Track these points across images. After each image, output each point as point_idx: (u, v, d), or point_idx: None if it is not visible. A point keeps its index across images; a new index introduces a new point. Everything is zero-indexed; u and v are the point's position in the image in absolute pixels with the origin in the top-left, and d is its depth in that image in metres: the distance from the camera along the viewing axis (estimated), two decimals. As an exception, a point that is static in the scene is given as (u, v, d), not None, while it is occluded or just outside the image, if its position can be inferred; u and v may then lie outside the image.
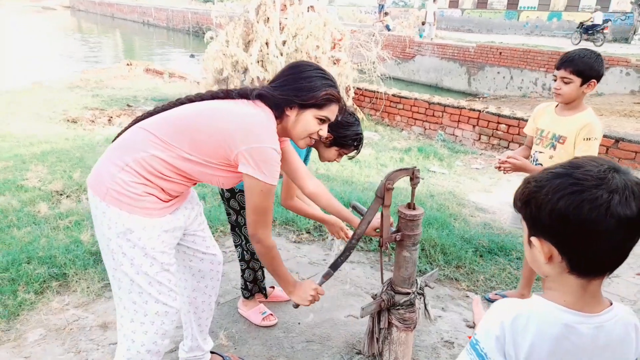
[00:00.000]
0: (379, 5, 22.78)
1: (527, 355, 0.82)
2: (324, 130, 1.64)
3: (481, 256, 3.23)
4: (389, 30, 20.14)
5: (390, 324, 1.92)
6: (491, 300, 2.75)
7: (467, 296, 2.81)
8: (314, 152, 2.22)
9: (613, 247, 0.78)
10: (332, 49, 7.11)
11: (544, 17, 28.68)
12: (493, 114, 6.34)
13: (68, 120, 7.45)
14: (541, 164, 2.32)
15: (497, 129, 6.33)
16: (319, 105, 1.58)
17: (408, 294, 1.88)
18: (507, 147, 6.30)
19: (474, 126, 6.60)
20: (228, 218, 2.32)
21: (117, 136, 1.59)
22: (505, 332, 0.83)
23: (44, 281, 2.70)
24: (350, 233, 2.15)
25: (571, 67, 2.12)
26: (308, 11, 6.92)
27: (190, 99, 1.62)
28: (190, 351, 2.04)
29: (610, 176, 0.77)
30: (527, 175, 2.32)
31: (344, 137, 2.05)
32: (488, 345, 0.84)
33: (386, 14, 21.02)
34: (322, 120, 1.62)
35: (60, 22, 37.95)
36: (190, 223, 1.72)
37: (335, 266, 1.85)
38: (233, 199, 2.23)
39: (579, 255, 0.81)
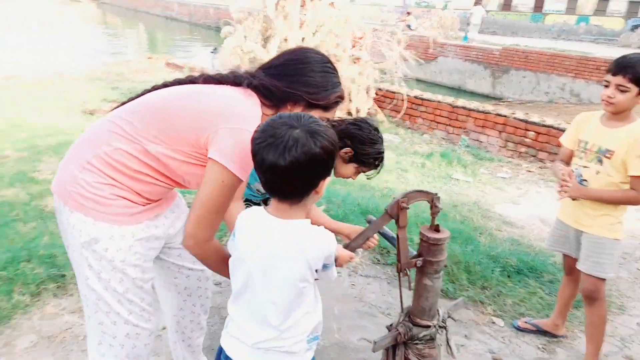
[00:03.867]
0: (404, 4, 22.42)
1: (241, 231, 1.20)
2: None
3: (509, 277, 2.98)
4: (410, 29, 19.81)
5: (406, 359, 1.70)
6: (520, 329, 2.50)
7: (493, 322, 2.57)
8: None
9: (271, 181, 1.11)
10: (353, 47, 6.89)
11: (571, 21, 27.97)
12: (521, 120, 6.05)
13: (86, 112, 7.38)
14: (586, 181, 2.07)
15: (525, 136, 6.03)
16: (326, 107, 1.38)
17: (428, 327, 1.66)
18: (535, 156, 6.00)
19: (500, 132, 6.31)
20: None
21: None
22: (240, 223, 1.21)
23: (42, 282, 2.56)
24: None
25: (630, 74, 1.86)
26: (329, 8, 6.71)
27: (165, 85, 1.41)
28: None
29: (281, 131, 1.06)
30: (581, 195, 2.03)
31: (365, 155, 1.86)
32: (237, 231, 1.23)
33: (408, 13, 20.68)
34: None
35: (86, 14, 38.43)
36: (176, 234, 1.50)
37: None
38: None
39: (263, 183, 1.14)
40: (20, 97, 7.79)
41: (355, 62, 6.86)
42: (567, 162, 2.22)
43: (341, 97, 1.40)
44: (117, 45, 22.31)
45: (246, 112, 1.26)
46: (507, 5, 31.54)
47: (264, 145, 1.07)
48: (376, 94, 7.23)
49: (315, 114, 1.36)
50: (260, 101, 1.34)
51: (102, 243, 1.24)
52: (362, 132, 1.87)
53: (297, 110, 1.36)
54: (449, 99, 6.95)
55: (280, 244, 1.15)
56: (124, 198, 1.26)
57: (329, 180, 1.21)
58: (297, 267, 1.13)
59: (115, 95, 8.78)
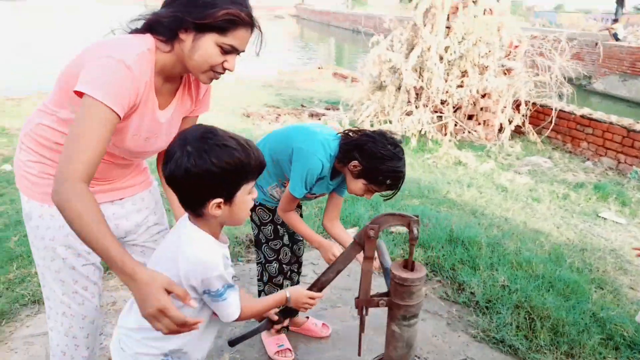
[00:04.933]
0: (617, 10, 19.08)
1: None
2: (230, 63, 1.25)
3: (616, 349, 2.27)
4: (617, 39, 16.86)
5: (373, 415, 1.43)
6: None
7: (564, 402, 1.99)
8: None
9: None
10: (507, 57, 6.16)
11: None
12: None
13: (244, 114, 8.25)
14: None
15: None
16: (220, 29, 1.19)
17: (396, 383, 1.36)
18: None
19: (691, 166, 4.90)
20: (253, 232, 2.10)
21: None
22: None
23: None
24: None
25: None
26: (484, 14, 6.14)
27: None
28: None
29: (175, 144, 1.11)
30: None
31: (374, 171, 1.68)
32: None
33: (615, 20, 17.65)
34: (227, 51, 1.22)
35: (287, 28, 42.99)
36: (135, 227, 1.49)
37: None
38: (253, 212, 2.00)
39: None
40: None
41: (505, 73, 6.13)
42: None
43: (234, 15, 1.18)
44: (304, 57, 24.31)
45: (115, 42, 1.19)
46: None
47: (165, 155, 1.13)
48: (531, 110, 6.33)
49: (210, 39, 1.19)
50: (157, 40, 1.24)
51: (34, 221, 1.33)
52: (374, 145, 1.69)
53: (189, 37, 1.20)
54: (626, 121, 5.67)
55: (166, 243, 1.21)
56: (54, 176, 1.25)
57: (240, 202, 1.14)
58: (168, 269, 1.11)
59: (276, 102, 9.60)
